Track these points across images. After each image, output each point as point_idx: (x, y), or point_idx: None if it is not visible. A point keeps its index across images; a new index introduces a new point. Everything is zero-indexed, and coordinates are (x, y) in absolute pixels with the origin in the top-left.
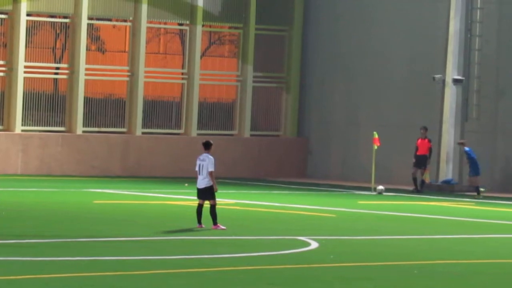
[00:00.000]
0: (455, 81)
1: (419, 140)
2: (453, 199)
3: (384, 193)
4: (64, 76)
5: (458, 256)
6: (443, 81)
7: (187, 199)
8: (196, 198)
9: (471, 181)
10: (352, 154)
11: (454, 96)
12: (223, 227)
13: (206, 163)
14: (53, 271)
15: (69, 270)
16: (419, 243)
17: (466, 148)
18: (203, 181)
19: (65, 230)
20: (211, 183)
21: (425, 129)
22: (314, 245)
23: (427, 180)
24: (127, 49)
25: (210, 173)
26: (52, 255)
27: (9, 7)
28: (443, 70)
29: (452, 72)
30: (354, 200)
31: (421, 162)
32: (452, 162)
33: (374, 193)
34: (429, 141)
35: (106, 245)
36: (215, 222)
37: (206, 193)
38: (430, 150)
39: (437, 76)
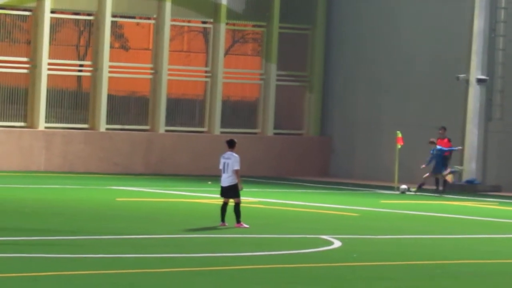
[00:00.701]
0: (479, 81)
1: (438, 140)
2: (476, 199)
3: (407, 193)
4: (88, 74)
5: (482, 256)
6: (467, 81)
7: (210, 197)
8: (219, 196)
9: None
10: (375, 153)
11: (478, 96)
12: (246, 226)
13: (231, 161)
14: (75, 268)
15: (92, 268)
16: (442, 243)
17: (438, 147)
18: (227, 179)
19: (88, 228)
20: (235, 181)
21: (444, 129)
22: (336, 244)
23: (450, 179)
24: (150, 46)
25: (236, 172)
26: (75, 252)
27: (33, 4)
28: (466, 70)
29: (475, 71)
30: (377, 199)
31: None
32: (476, 162)
33: (397, 192)
34: (449, 140)
35: (128, 242)
36: (238, 220)
37: (230, 191)
38: (450, 149)
39: (461, 75)
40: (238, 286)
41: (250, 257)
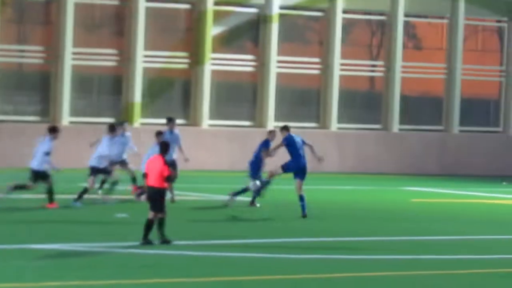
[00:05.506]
0: None
1: None
2: None
3: None
4: (380, 74)
5: None
6: None
7: (505, 197)
8: None
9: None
10: None
11: None
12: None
13: None
14: (370, 269)
15: (386, 269)
16: None
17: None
18: None
19: (382, 229)
20: None
21: None
22: None
23: None
24: (444, 46)
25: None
26: (368, 253)
27: (325, 5)
28: None
29: None
30: None
31: None
32: None
33: None
34: None
35: (423, 244)
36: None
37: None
38: None
39: None
40: None
41: None
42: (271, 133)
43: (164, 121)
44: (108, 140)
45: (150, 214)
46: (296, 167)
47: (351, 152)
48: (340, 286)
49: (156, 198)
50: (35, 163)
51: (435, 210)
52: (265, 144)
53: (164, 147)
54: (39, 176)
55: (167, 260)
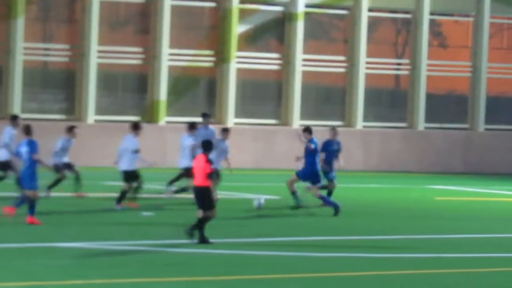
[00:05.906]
0: None
1: None
2: None
3: None
4: (406, 72)
5: None
6: None
7: None
8: None
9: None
10: None
11: None
12: None
13: None
14: (394, 267)
15: (410, 267)
16: None
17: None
18: None
19: (407, 227)
20: None
21: None
22: None
23: None
24: (469, 44)
25: None
26: (392, 251)
27: (350, 3)
28: None
29: None
30: None
31: None
32: None
33: None
34: None
35: (447, 242)
36: None
37: None
38: None
39: None
40: None
41: None
42: (333, 130)
43: (189, 119)
44: (187, 137)
45: (199, 213)
46: (318, 178)
47: (376, 150)
48: (365, 284)
49: (201, 196)
50: (124, 164)
51: (460, 208)
52: (328, 145)
53: (207, 146)
54: (130, 176)
55: (193, 258)
